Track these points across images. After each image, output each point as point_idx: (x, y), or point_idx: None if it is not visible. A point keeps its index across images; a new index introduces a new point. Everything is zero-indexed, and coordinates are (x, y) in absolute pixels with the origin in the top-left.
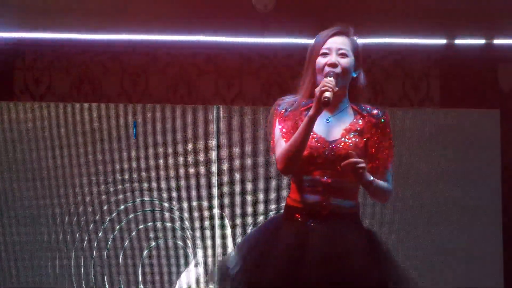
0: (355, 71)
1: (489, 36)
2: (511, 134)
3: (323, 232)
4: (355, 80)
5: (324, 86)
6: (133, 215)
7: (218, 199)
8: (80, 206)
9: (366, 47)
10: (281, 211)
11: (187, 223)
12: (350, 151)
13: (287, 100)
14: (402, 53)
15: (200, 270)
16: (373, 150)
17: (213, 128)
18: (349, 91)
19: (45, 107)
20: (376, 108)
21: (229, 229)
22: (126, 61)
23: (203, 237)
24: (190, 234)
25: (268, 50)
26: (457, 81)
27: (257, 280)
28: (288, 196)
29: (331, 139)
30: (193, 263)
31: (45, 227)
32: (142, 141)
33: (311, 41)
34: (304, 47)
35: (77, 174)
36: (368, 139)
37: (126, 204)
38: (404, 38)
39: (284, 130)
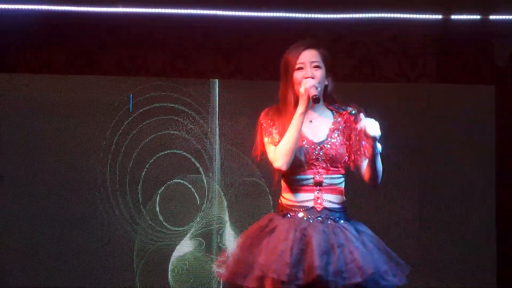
0: (326, 79)
1: (485, 12)
2: (506, 110)
3: (319, 227)
4: (326, 86)
5: (308, 85)
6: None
7: (215, 172)
8: (75, 183)
9: (364, 21)
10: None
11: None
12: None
13: (269, 112)
14: (399, 29)
15: (195, 242)
16: (355, 144)
17: (210, 102)
18: (324, 96)
19: (42, 79)
20: (349, 105)
21: (225, 202)
22: (124, 34)
23: (201, 210)
24: (186, 205)
25: (266, 24)
26: (453, 57)
27: (265, 273)
28: (282, 196)
29: (318, 140)
30: (189, 235)
31: (41, 195)
32: (139, 114)
33: (309, 15)
34: (303, 21)
35: (73, 147)
36: (349, 134)
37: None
38: (401, 13)
39: (273, 134)
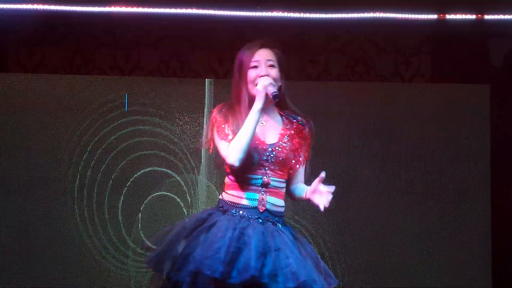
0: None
1: (480, 11)
2: (501, 109)
3: (259, 228)
4: (280, 87)
5: (267, 82)
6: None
7: (207, 171)
8: (71, 177)
9: (358, 21)
10: None
11: (178, 194)
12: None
13: (223, 108)
14: (394, 29)
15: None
16: (299, 152)
17: (204, 101)
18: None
19: (37, 79)
20: (299, 115)
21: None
22: (119, 34)
23: (192, 209)
24: (180, 204)
25: (261, 23)
26: (448, 57)
27: (199, 268)
28: (225, 192)
29: (270, 142)
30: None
31: (37, 195)
32: (133, 113)
33: (304, 15)
34: (298, 21)
35: (69, 145)
36: (297, 143)
37: (116, 176)
38: (396, 13)
39: (225, 131)
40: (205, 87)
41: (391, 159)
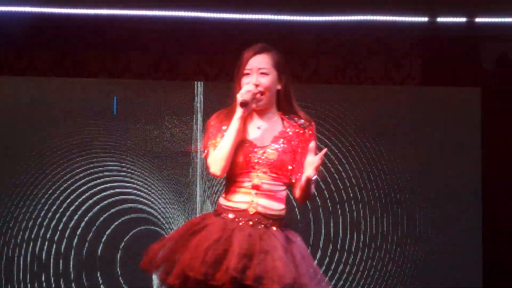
0: (279, 83)
1: (471, 14)
2: (492, 112)
3: (247, 230)
4: (280, 91)
5: (244, 91)
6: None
7: (198, 175)
8: (59, 186)
9: (349, 24)
10: None
11: (166, 203)
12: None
13: (221, 114)
14: (384, 31)
15: None
16: (300, 156)
17: (194, 104)
18: (278, 103)
19: (26, 82)
20: (302, 119)
21: (210, 205)
22: (108, 36)
23: (183, 212)
24: (169, 211)
25: (251, 26)
26: (439, 59)
27: (184, 270)
28: (221, 195)
29: (262, 144)
30: None
31: (20, 204)
32: (123, 117)
33: (294, 17)
34: (288, 23)
35: (57, 149)
36: (295, 146)
37: (105, 193)
38: (387, 16)
39: (217, 138)
40: (194, 90)
41: (381, 162)
